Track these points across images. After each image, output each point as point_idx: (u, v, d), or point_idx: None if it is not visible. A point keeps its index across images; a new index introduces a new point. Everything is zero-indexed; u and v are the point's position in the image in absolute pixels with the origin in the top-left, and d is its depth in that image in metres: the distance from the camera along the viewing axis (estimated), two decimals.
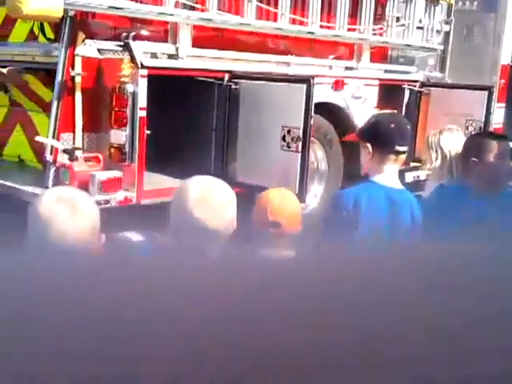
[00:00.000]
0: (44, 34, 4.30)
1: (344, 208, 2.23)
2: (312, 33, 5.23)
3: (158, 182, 4.42)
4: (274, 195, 2.13)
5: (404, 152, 2.31)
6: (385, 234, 2.23)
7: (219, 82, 4.52)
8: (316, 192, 5.22)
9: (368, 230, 2.20)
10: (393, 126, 2.28)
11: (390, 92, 5.75)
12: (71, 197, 1.59)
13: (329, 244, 1.98)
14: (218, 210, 1.67)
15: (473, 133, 4.78)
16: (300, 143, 4.22)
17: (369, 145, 2.26)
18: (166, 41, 4.47)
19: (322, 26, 5.31)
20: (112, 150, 4.17)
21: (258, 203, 2.10)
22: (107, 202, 3.98)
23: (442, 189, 2.81)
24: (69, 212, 1.52)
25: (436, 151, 3.01)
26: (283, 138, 4.31)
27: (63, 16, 3.91)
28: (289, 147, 4.29)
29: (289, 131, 4.28)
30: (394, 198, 2.29)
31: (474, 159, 2.48)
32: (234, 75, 4.54)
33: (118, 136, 4.12)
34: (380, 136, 2.26)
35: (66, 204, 1.53)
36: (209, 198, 1.66)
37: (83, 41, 4.11)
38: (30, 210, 1.55)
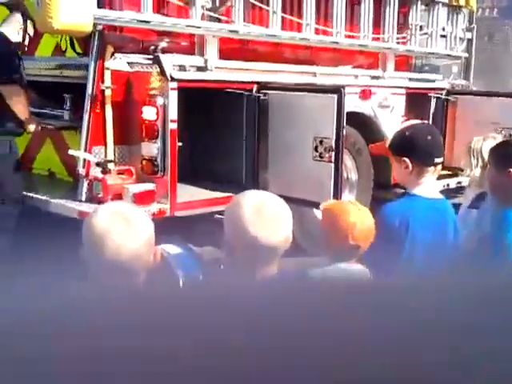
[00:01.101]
0: (73, 49, 4.33)
1: (389, 225, 2.18)
2: (337, 42, 5.23)
3: (190, 193, 4.42)
4: (356, 218, 2.02)
5: (441, 163, 2.28)
6: (434, 247, 2.20)
7: (248, 93, 4.52)
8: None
9: (418, 246, 2.16)
10: (429, 138, 2.24)
11: (416, 101, 5.73)
12: (126, 211, 1.57)
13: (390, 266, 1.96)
14: (274, 226, 1.64)
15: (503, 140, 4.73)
16: (333, 153, 4.19)
17: (406, 159, 2.22)
18: (193, 53, 4.48)
19: (346, 36, 5.31)
20: (144, 162, 4.17)
21: (336, 223, 2.03)
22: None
23: (483, 197, 2.77)
24: (124, 227, 1.50)
25: (477, 158, 2.98)
26: (315, 149, 4.29)
27: (92, 30, 3.95)
28: (321, 157, 4.27)
29: (321, 141, 4.27)
30: (438, 208, 2.27)
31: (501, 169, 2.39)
32: (263, 86, 4.54)
33: (150, 148, 4.13)
34: (418, 150, 2.22)
35: (121, 219, 1.51)
36: (264, 214, 1.63)
37: (112, 54, 4.13)
38: (85, 225, 1.53)
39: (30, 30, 4.38)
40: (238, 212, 1.63)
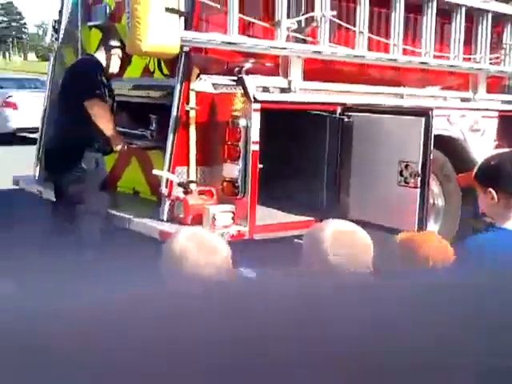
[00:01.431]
0: (161, 70, 4.41)
1: (472, 262, 2.03)
2: (426, 63, 5.07)
3: (270, 216, 4.37)
4: (435, 252, 1.95)
5: None
6: None
7: (331, 114, 4.44)
8: (433, 228, 4.97)
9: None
10: None
11: (510, 124, 5.44)
12: (203, 237, 1.56)
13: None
14: (354, 254, 1.57)
15: None
16: (419, 178, 4.03)
17: (492, 190, 2.07)
18: (277, 74, 4.46)
19: (435, 56, 5.13)
20: (225, 183, 4.17)
21: (415, 255, 1.93)
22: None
23: None
24: (201, 253, 1.49)
25: None
26: (400, 173, 4.14)
27: (179, 52, 4.00)
28: (406, 183, 4.11)
29: (406, 166, 4.11)
30: None
31: None
32: (347, 108, 4.44)
33: (231, 170, 4.12)
34: (504, 180, 2.07)
35: (198, 244, 1.51)
36: (345, 243, 1.58)
37: (198, 76, 4.17)
38: (164, 249, 1.52)
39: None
40: (319, 239, 1.59)
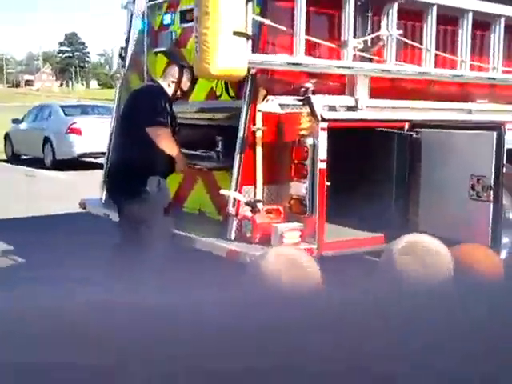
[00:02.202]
0: (228, 93, 4.50)
1: None
2: (494, 78, 4.99)
3: (338, 233, 4.36)
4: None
5: None
6: None
7: (399, 131, 4.42)
8: (504, 242, 4.85)
9: None
10: None
11: None
12: (293, 255, 1.56)
13: None
14: (431, 270, 1.55)
15: None
16: (491, 192, 3.96)
17: None
18: (343, 93, 4.48)
19: (504, 72, 5.05)
20: (292, 201, 4.19)
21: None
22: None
23: None
24: (295, 270, 1.49)
25: None
26: (472, 187, 4.07)
27: (246, 74, 4.08)
28: (479, 197, 4.04)
29: (478, 180, 4.05)
30: None
31: None
32: (415, 124, 4.41)
33: (299, 188, 4.14)
34: None
35: (289, 263, 1.51)
36: (421, 258, 1.56)
37: (264, 97, 4.23)
38: (253, 269, 1.52)
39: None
40: (394, 254, 1.58)
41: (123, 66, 5.74)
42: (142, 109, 4.28)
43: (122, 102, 5.59)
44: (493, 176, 3.98)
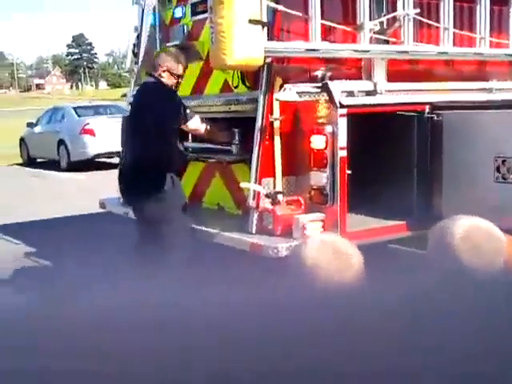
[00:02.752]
0: (244, 83, 4.43)
1: None
2: None
3: (360, 222, 4.28)
4: None
5: None
6: None
7: (420, 114, 4.32)
8: None
9: None
10: None
11: None
12: (336, 243, 1.47)
13: None
14: (486, 253, 1.47)
15: None
16: None
17: None
18: (360, 78, 4.39)
19: None
20: (312, 192, 4.12)
21: None
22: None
23: None
24: (336, 260, 1.41)
25: None
26: (497, 169, 3.97)
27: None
28: (504, 179, 3.94)
29: (503, 161, 3.94)
30: None
31: None
32: (436, 106, 4.31)
33: (319, 178, 4.07)
34: None
35: (332, 251, 1.42)
36: (478, 241, 1.47)
37: (281, 86, 4.15)
38: (295, 258, 1.44)
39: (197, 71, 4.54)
40: (450, 236, 1.49)
41: (136, 63, 5.69)
42: (159, 109, 4.22)
43: None
44: None
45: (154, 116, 4.18)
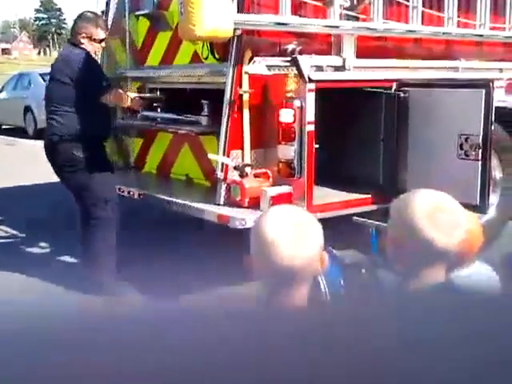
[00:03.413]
0: (213, 55, 4.42)
1: None
2: (481, 35, 4.95)
3: (326, 195, 4.35)
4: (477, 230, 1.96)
5: None
6: None
7: (387, 91, 4.38)
8: (491, 201, 4.88)
9: None
10: None
11: None
12: (296, 215, 1.49)
13: None
14: (449, 226, 1.52)
15: None
16: (480, 151, 3.96)
17: None
18: (329, 53, 4.42)
19: (491, 28, 5.01)
20: (280, 165, 4.16)
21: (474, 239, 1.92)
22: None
23: None
24: (297, 233, 1.42)
25: None
26: (460, 146, 4.06)
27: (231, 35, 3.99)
28: (467, 156, 4.04)
29: (466, 139, 4.04)
30: None
31: None
32: (403, 83, 4.38)
33: (286, 151, 4.11)
34: None
35: (292, 224, 1.44)
36: (440, 214, 1.51)
37: (250, 58, 4.16)
38: (255, 233, 1.46)
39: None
40: (411, 211, 1.53)
41: None
42: (82, 77, 4.10)
43: (105, 67, 5.48)
44: (481, 134, 3.97)
45: (70, 83, 4.08)
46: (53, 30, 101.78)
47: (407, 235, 1.54)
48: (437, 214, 1.51)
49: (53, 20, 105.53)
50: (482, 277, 1.95)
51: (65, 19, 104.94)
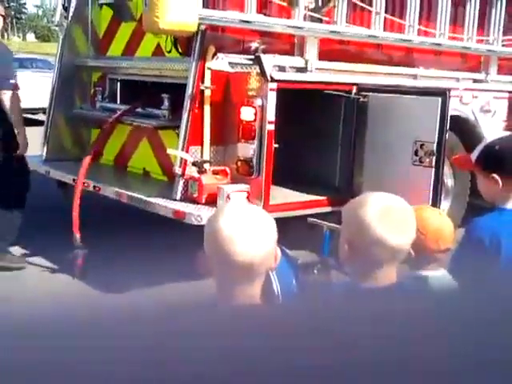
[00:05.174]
0: (177, 49, 4.39)
1: (479, 241, 2.03)
2: (440, 44, 5.06)
3: (283, 195, 4.38)
4: (441, 221, 1.99)
5: None
6: None
7: (347, 94, 4.43)
8: (442, 208, 5.00)
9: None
10: None
11: None
12: (250, 211, 1.50)
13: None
14: (401, 226, 1.55)
15: None
16: (434, 158, 4.05)
17: (495, 176, 2.05)
18: (292, 54, 4.45)
19: (450, 38, 5.13)
20: (239, 163, 4.17)
21: (425, 228, 1.94)
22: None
23: None
24: (253, 228, 1.43)
25: None
26: (415, 153, 4.15)
27: (195, 30, 3.98)
28: (421, 162, 4.13)
29: (422, 145, 4.12)
30: None
31: None
32: (363, 88, 4.44)
33: (246, 149, 4.12)
34: (509, 166, 2.04)
35: (247, 219, 1.45)
36: (391, 215, 1.54)
37: (214, 54, 4.15)
38: (209, 228, 1.46)
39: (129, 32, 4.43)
40: (363, 212, 1.55)
41: (66, 18, 5.49)
42: None
43: (64, 55, 5.39)
44: (436, 142, 4.06)
45: None
46: (12, 13, 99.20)
47: (359, 236, 1.57)
48: (388, 214, 1.54)
49: (12, 4, 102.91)
50: (441, 279, 1.99)
51: (25, 3, 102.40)
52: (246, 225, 1.42)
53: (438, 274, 1.99)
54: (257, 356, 0.57)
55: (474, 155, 2.11)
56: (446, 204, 5.10)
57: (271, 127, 4.05)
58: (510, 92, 5.50)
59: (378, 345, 0.57)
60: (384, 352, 0.56)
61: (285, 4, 4.33)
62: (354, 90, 4.44)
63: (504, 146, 2.06)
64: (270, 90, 3.99)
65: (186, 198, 4.16)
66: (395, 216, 1.55)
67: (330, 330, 0.61)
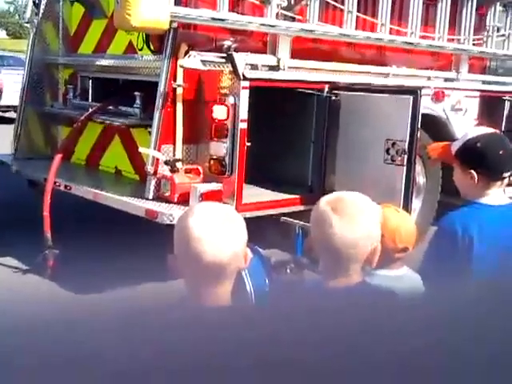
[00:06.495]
0: (149, 46, 4.35)
1: (451, 237, 2.06)
2: (411, 43, 5.10)
3: (256, 194, 4.37)
4: (398, 220, 2.01)
5: (510, 175, 2.14)
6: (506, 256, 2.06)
7: (319, 93, 4.44)
8: (414, 206, 5.04)
9: (484, 260, 2.02)
10: (501, 152, 2.08)
11: (489, 104, 5.52)
12: (221, 210, 1.48)
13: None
14: (354, 222, 1.54)
15: None
16: (405, 156, 4.07)
17: (473, 172, 2.08)
18: (265, 52, 4.44)
19: (421, 37, 5.17)
20: (211, 161, 4.15)
21: (383, 228, 1.95)
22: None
23: None
24: (223, 227, 1.42)
25: None
26: (387, 151, 4.17)
27: (167, 28, 3.94)
28: (393, 160, 4.15)
29: (393, 144, 4.15)
30: (507, 215, 2.11)
31: None
32: (335, 86, 4.45)
33: (218, 148, 4.10)
34: (488, 164, 2.07)
35: (218, 218, 1.43)
36: (344, 211, 1.54)
37: (186, 52, 4.12)
38: (180, 227, 1.44)
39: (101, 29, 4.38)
40: (321, 211, 1.55)
41: (37, 14, 5.41)
42: None
43: (35, 52, 5.31)
44: (407, 140, 4.09)
45: None
46: None
47: (319, 234, 1.57)
48: (341, 208, 1.54)
49: None
50: (403, 278, 2.00)
51: None
52: (214, 225, 1.41)
53: (399, 274, 2.00)
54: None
55: (455, 147, 2.13)
56: (417, 202, 5.14)
57: (244, 126, 4.03)
58: (480, 91, 5.58)
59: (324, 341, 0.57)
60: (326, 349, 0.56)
61: (257, 2, 4.32)
62: (326, 88, 4.45)
63: (485, 145, 2.08)
64: (243, 88, 3.97)
65: (159, 197, 4.13)
66: (347, 210, 1.54)
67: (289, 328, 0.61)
